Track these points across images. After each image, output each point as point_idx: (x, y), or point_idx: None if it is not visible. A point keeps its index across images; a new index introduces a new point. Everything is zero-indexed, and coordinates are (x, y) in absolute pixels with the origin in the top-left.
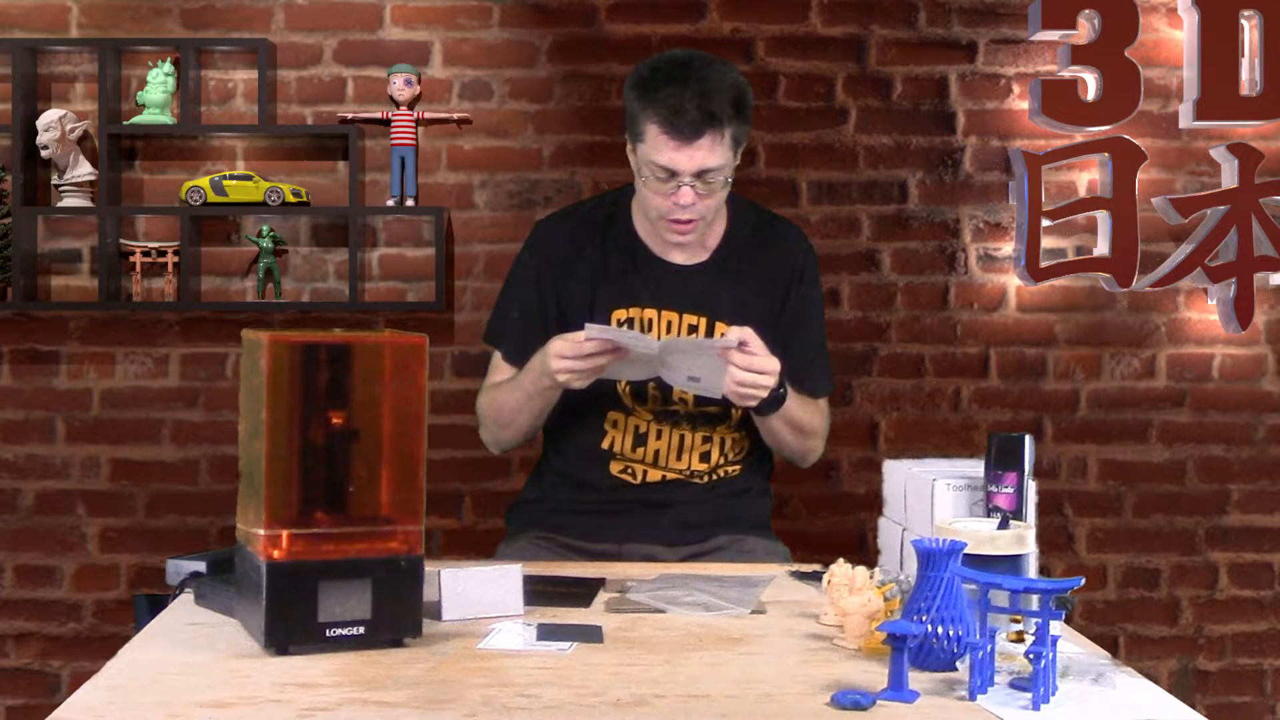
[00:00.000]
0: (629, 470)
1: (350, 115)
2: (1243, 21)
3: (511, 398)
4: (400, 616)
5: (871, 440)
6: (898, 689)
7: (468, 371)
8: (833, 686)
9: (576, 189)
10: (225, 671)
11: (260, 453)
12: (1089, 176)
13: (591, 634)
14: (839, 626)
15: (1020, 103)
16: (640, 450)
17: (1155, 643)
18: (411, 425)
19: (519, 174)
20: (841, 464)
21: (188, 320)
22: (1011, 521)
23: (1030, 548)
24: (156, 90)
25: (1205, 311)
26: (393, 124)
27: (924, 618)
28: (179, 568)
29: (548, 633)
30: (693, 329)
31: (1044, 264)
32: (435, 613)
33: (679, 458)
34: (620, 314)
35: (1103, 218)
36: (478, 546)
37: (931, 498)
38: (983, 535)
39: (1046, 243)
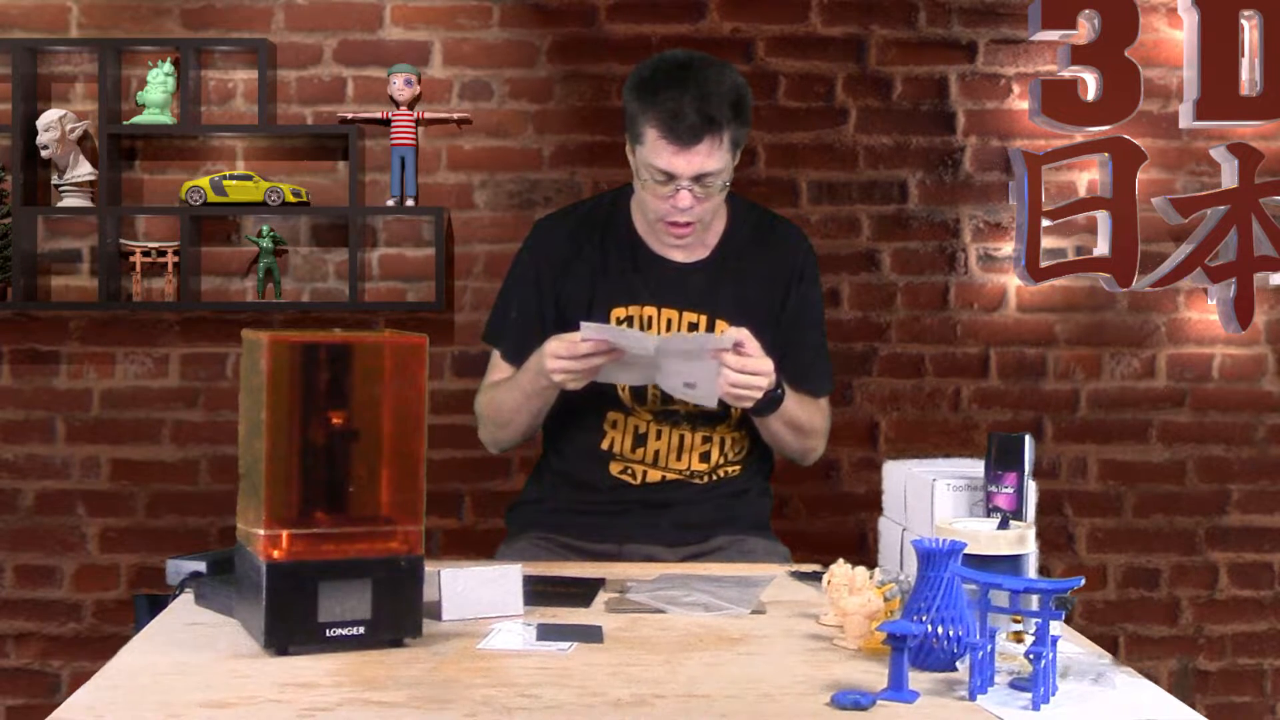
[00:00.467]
0: (629, 471)
1: (350, 115)
2: (1243, 21)
3: (509, 397)
4: (400, 616)
5: (871, 440)
6: (898, 689)
7: (468, 371)
8: (833, 686)
9: (576, 189)
10: (225, 671)
11: (260, 453)
12: (1089, 176)
13: (591, 634)
14: (839, 626)
15: (1020, 103)
16: (640, 450)
17: (1155, 643)
18: (411, 425)
19: (519, 174)
20: (841, 464)
21: (188, 320)
22: (1011, 521)
23: (1030, 548)
24: (156, 90)
25: (1205, 311)
26: (393, 124)
27: (924, 618)
28: (179, 568)
29: (548, 633)
30: (693, 326)
31: (1044, 264)
32: (435, 613)
33: (679, 458)
34: (620, 312)
35: (1103, 218)
36: (478, 546)
37: (931, 498)
38: (983, 535)
39: (1046, 243)
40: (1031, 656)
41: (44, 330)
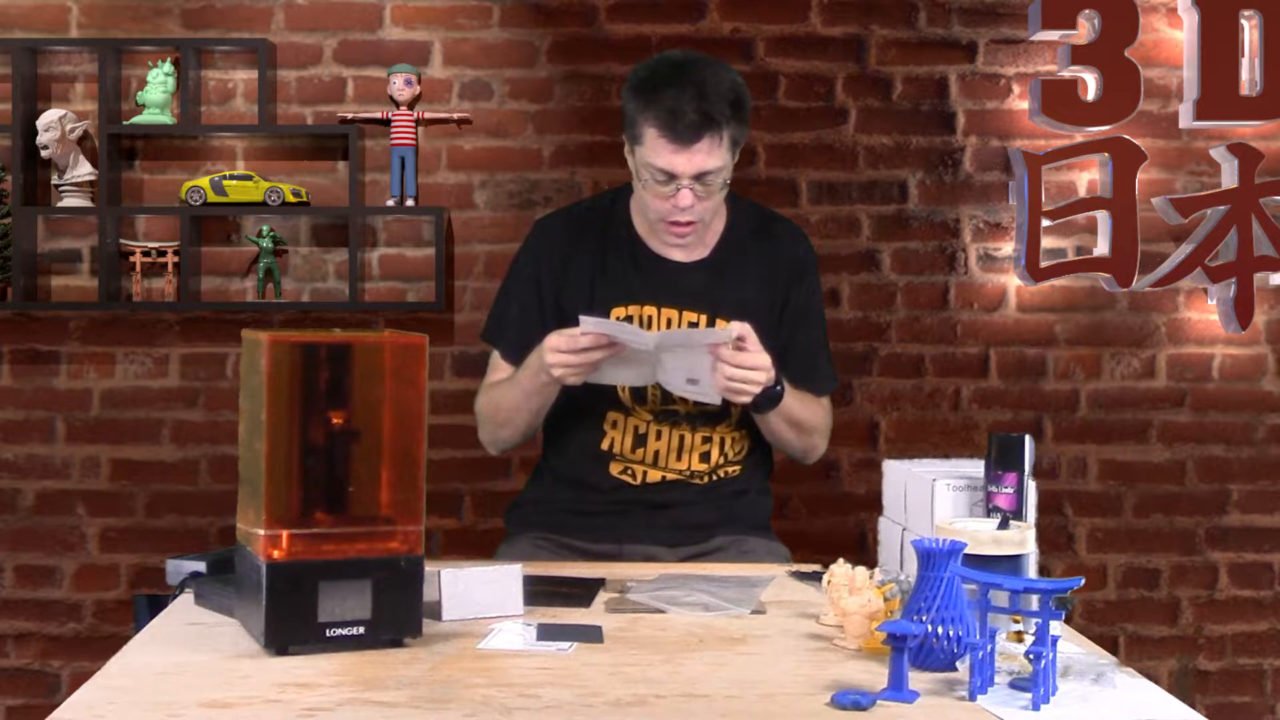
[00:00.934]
0: (629, 471)
1: (350, 115)
2: (1243, 21)
3: (509, 396)
4: (400, 616)
5: (871, 440)
6: (898, 689)
7: (468, 371)
8: (833, 686)
9: (576, 189)
10: (225, 671)
11: (260, 453)
12: (1089, 176)
13: (591, 634)
14: (839, 626)
15: (1020, 103)
16: (640, 451)
17: (1155, 643)
18: (411, 425)
19: (519, 174)
20: (841, 464)
21: (188, 320)
22: (1011, 521)
23: (1030, 548)
24: (156, 90)
25: (1205, 311)
26: (393, 124)
27: (924, 618)
28: (179, 568)
29: (548, 633)
30: (693, 326)
31: (1044, 264)
32: (435, 613)
33: (679, 458)
34: (620, 311)
35: (1103, 218)
36: (478, 546)
37: (931, 498)
38: (983, 535)
39: (1046, 243)
40: (1031, 656)
41: (44, 330)
